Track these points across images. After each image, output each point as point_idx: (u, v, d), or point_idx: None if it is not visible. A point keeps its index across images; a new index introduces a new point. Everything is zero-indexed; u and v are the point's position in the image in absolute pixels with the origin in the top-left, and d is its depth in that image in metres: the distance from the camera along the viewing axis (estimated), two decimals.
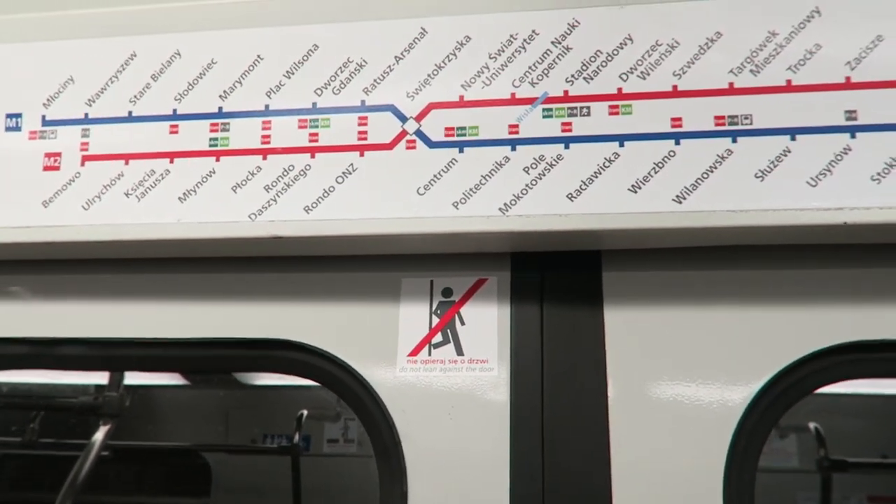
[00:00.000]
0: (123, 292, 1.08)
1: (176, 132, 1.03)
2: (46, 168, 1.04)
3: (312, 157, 1.00)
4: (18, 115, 1.06)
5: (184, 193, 1.00)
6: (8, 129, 1.06)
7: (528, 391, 0.96)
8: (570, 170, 0.96)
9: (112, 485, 3.64)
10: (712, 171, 0.93)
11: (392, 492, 0.93)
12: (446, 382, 0.98)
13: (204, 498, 3.47)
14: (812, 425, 2.57)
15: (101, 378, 2.28)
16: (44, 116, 1.06)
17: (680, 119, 0.95)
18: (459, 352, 0.99)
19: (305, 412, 3.31)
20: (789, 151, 0.92)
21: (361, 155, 0.99)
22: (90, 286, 1.09)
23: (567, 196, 0.95)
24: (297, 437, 3.19)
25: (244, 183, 1.00)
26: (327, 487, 3.35)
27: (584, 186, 0.95)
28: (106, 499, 3.54)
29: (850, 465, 2.41)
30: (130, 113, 1.04)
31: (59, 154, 1.04)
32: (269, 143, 1.01)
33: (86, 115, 1.05)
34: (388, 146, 0.99)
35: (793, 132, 0.93)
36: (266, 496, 3.40)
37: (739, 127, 0.94)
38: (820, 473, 2.45)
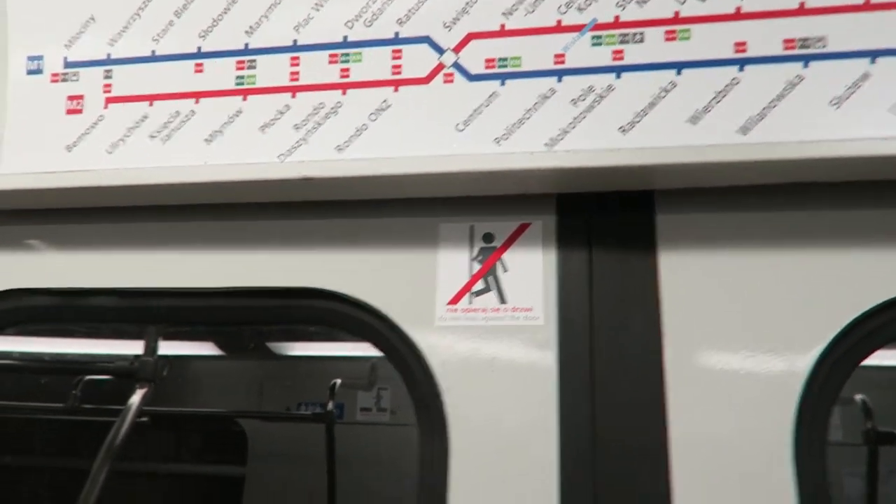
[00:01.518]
0: (151, 241, 1.04)
1: (201, 71, 0.97)
2: (69, 111, 0.99)
3: (344, 93, 0.94)
4: (40, 58, 1.02)
5: (210, 135, 0.95)
6: (30, 71, 1.02)
7: (575, 341, 0.90)
8: (621, 101, 0.88)
9: (151, 452, 3.70)
10: (781, 100, 0.85)
11: (433, 445, 0.88)
12: (488, 332, 0.92)
13: (240, 465, 3.51)
14: (858, 397, 2.47)
15: (138, 348, 2.28)
16: (65, 58, 1.01)
17: (744, 44, 0.86)
18: (502, 300, 0.93)
19: (339, 381, 3.30)
20: (869, 76, 0.83)
21: (396, 90, 0.93)
22: (116, 235, 1.05)
23: (619, 129, 0.88)
24: (330, 405, 3.19)
25: (273, 122, 0.94)
26: (360, 455, 3.35)
27: (637, 119, 0.88)
28: (145, 465, 3.59)
29: None
30: (153, 52, 0.99)
31: (81, 97, 1.00)
32: (297, 80, 0.95)
33: (108, 55, 1.00)
34: (425, 80, 0.93)
35: (873, 55, 0.84)
36: (300, 463, 3.41)
37: (811, 51, 0.85)
38: (867, 446, 2.35)
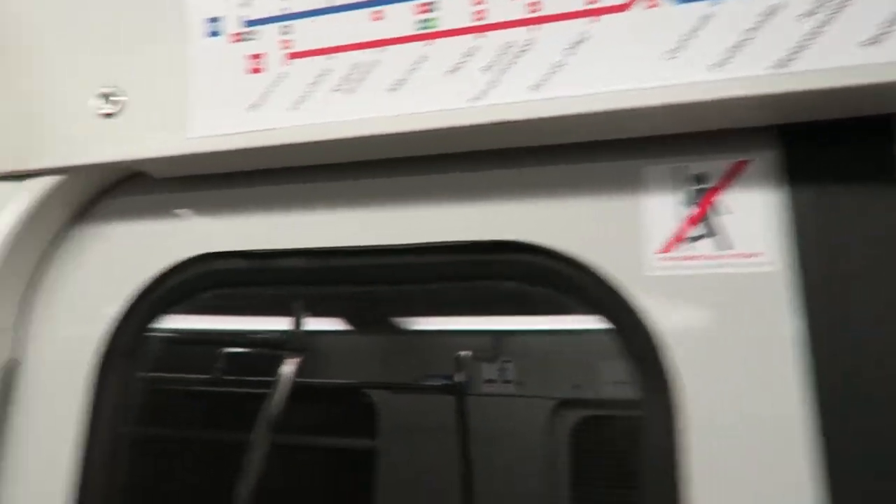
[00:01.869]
0: (336, 200, 1.02)
1: (380, 18, 0.93)
2: (252, 70, 0.98)
3: (535, 29, 0.87)
4: (217, 20, 1.01)
5: (395, 84, 0.91)
6: (209, 34, 1.01)
7: (815, 286, 0.80)
8: (862, 12, 0.76)
9: (286, 422, 3.83)
10: None
11: (657, 405, 0.81)
12: (712, 280, 0.83)
13: (370, 438, 3.58)
14: None
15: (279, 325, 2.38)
16: (243, 17, 1.00)
17: None
18: (725, 245, 0.84)
19: (465, 353, 3.29)
20: None
21: (592, 21, 0.85)
22: (301, 196, 1.04)
23: (859, 44, 0.76)
24: (459, 377, 3.18)
25: (460, 66, 0.89)
26: (487, 427, 3.33)
27: (883, 32, 0.75)
28: (279, 437, 3.73)
29: None
30: (330, 4, 0.96)
31: (262, 55, 0.98)
32: (483, 18, 0.89)
33: (285, 10, 0.98)
34: (624, 7, 0.84)
35: None
36: (427, 436, 3.44)
37: None
38: None
